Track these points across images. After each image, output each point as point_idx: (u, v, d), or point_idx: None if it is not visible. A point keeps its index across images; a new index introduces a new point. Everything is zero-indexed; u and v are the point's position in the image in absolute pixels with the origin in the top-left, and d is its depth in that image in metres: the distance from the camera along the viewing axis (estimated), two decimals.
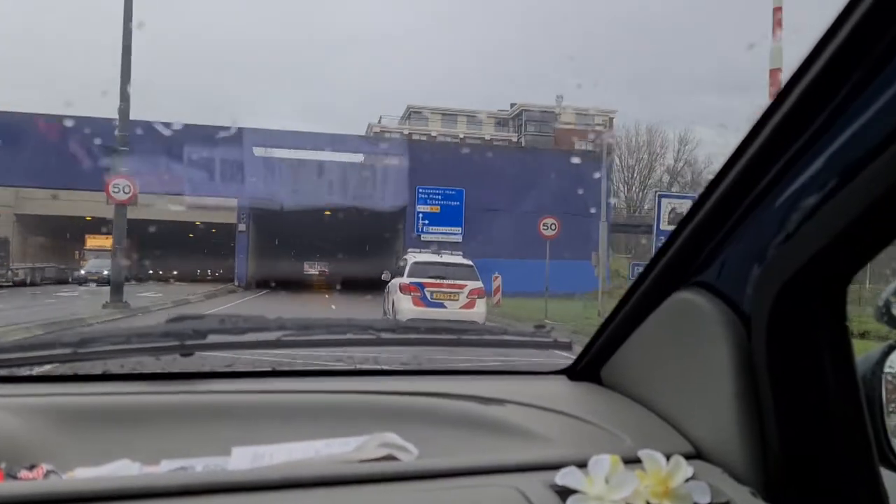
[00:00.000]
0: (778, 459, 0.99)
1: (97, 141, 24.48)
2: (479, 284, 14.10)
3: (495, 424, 1.22)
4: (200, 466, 1.03)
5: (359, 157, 39.58)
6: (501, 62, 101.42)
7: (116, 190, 17.64)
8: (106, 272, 31.13)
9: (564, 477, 0.96)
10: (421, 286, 13.65)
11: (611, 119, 72.99)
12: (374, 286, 19.00)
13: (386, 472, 0.98)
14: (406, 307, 13.42)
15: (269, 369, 1.47)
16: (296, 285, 39.16)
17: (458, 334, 1.57)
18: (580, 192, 37.52)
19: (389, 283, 15.40)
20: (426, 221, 38.14)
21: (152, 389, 1.27)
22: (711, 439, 1.08)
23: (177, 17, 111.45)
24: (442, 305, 13.51)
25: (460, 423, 1.23)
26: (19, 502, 0.83)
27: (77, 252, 49.07)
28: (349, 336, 1.47)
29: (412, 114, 75.65)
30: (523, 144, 66.09)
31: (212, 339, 1.37)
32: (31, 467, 0.98)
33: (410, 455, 1.06)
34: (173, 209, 41.46)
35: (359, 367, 1.66)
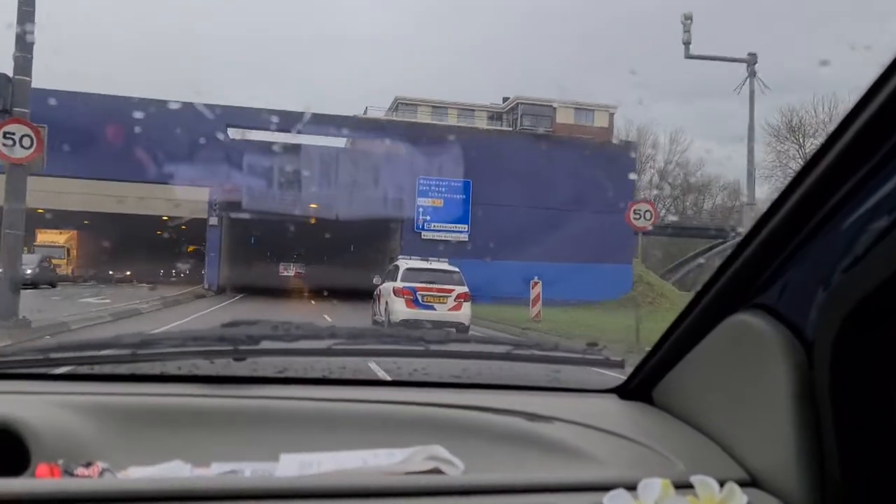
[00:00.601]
0: (838, 491, 0.96)
1: None
2: (465, 289, 15.36)
3: (543, 442, 1.21)
4: (249, 471, 1.05)
5: (348, 143, 34.39)
6: (494, 58, 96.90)
7: (9, 142, 10.84)
8: (29, 271, 26.55)
9: (613, 499, 0.94)
10: (413, 290, 14.72)
11: (611, 115, 68.55)
12: (370, 294, 18.04)
13: (432, 486, 0.98)
14: (399, 308, 14.54)
15: (320, 377, 1.49)
16: (276, 290, 33.85)
17: (508, 348, 1.58)
18: (605, 186, 32.69)
19: (381, 287, 16.27)
20: (427, 217, 33.03)
21: (206, 392, 1.29)
22: (768, 467, 1.05)
23: (158, 12, 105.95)
24: (432, 308, 14.66)
25: (508, 438, 1.22)
26: (75, 500, 0.86)
27: (27, 248, 43.49)
28: (399, 346, 1.54)
29: (400, 105, 70.55)
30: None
31: (265, 344, 1.42)
32: (88, 465, 1.00)
33: (457, 469, 1.06)
34: (137, 201, 36.35)
35: (408, 378, 1.58)
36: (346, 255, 42.31)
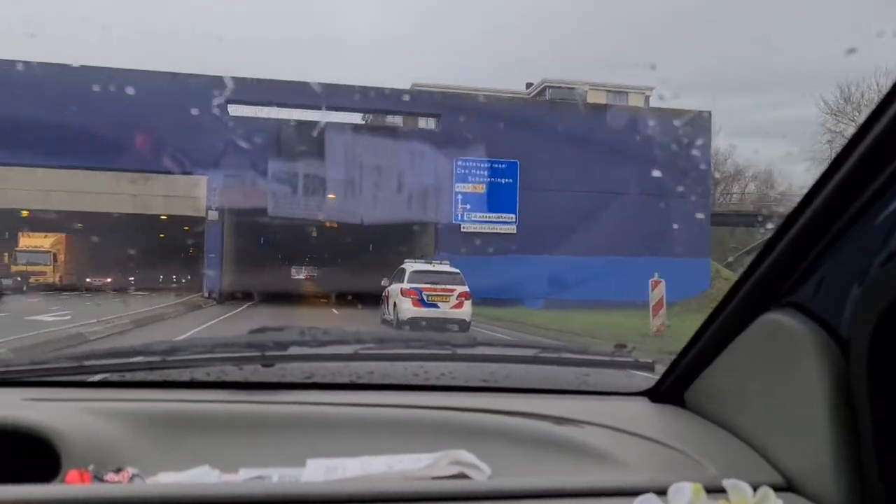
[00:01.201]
0: (877, 496, 0.94)
1: None
2: (465, 288, 16.47)
3: (571, 446, 1.20)
4: (276, 476, 1.06)
5: (368, 118, 29.11)
6: (516, 41, 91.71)
7: None
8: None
9: None
10: (419, 290, 16.07)
11: (647, 97, 62.95)
12: None
13: (457, 491, 0.99)
14: (407, 307, 15.90)
15: (348, 381, 1.48)
16: (287, 298, 28.68)
17: (536, 351, 1.58)
18: (677, 165, 27.36)
19: (388, 289, 17.55)
20: (467, 206, 27.75)
21: (235, 398, 1.31)
22: (804, 471, 1.04)
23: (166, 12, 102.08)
24: (436, 306, 16.04)
25: (535, 442, 1.21)
26: None
27: (7, 254, 38.60)
28: (426, 351, 1.57)
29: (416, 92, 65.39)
30: None
31: (292, 350, 1.44)
32: (118, 470, 1.01)
33: (483, 474, 1.05)
34: (131, 199, 31.81)
35: (434, 382, 1.55)
36: (367, 255, 37.17)
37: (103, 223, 35.54)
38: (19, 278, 35.37)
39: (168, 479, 1.01)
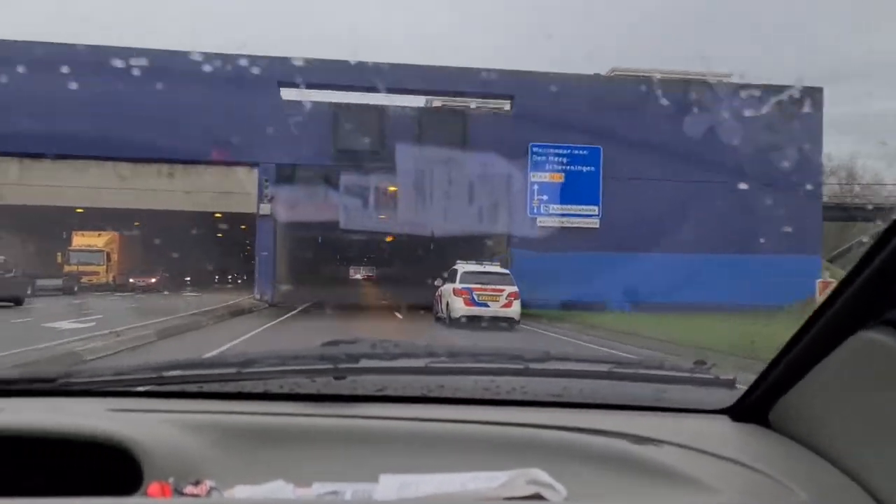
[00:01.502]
0: None
1: None
2: (514, 289, 17.25)
3: (649, 466, 1.16)
4: (349, 492, 1.05)
5: (429, 102, 26.49)
6: (583, 29, 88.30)
7: None
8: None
9: None
10: (470, 290, 17.03)
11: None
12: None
13: None
14: (458, 307, 16.93)
15: (419, 395, 1.47)
16: (345, 300, 26.33)
17: (610, 366, 1.58)
18: (784, 149, 23.98)
19: (442, 289, 18.51)
20: (544, 196, 24.87)
21: (308, 411, 1.33)
22: None
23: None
24: (486, 305, 16.96)
25: (612, 462, 1.17)
26: None
27: (61, 254, 37.25)
28: (497, 365, 1.54)
29: None
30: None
31: (364, 363, 1.46)
32: (196, 483, 1.03)
33: (558, 495, 1.03)
34: (184, 196, 30.08)
35: (505, 396, 1.51)
36: (433, 253, 34.61)
37: (157, 222, 34.19)
38: (68, 279, 33.93)
39: (244, 493, 1.03)
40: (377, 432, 1.26)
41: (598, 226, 25.05)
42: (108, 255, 38.07)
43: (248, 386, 1.43)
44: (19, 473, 1.13)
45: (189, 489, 1.01)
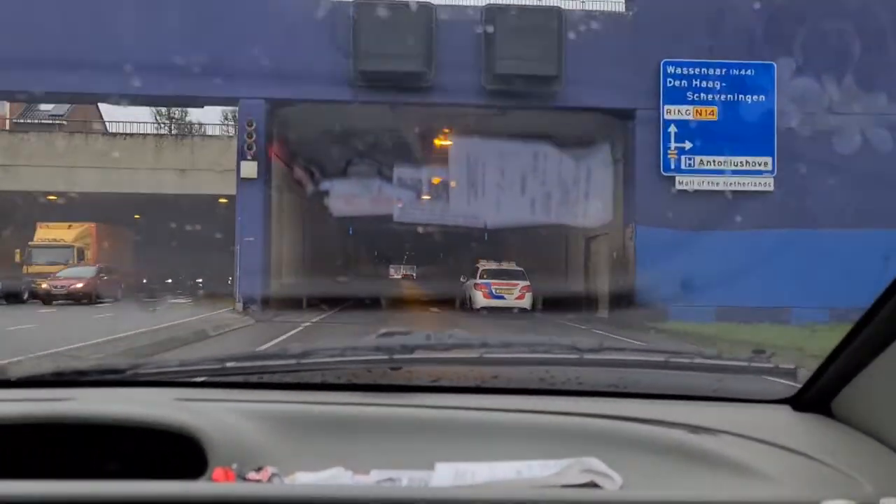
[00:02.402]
0: None
1: None
2: (527, 283, 19.99)
3: (708, 456, 1.15)
4: (406, 479, 1.07)
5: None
6: None
7: None
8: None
9: None
10: (489, 284, 19.84)
11: None
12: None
13: (589, 500, 0.98)
14: (479, 299, 19.60)
15: (474, 385, 1.50)
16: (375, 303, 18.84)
17: (667, 356, 1.52)
18: None
19: (466, 283, 21.42)
20: (685, 144, 15.86)
21: (365, 401, 1.35)
22: None
23: None
24: (503, 297, 19.54)
25: (669, 452, 1.17)
26: (247, 503, 0.96)
27: (19, 251, 29.86)
28: (551, 355, 1.50)
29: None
30: None
31: (418, 354, 1.44)
32: (259, 469, 1.06)
33: (614, 483, 1.03)
34: (178, 175, 26.45)
35: (560, 386, 1.51)
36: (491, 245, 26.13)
37: (147, 208, 29.25)
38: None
39: (305, 479, 1.06)
40: (432, 422, 1.28)
41: (771, 188, 15.97)
42: (81, 251, 30.31)
43: (306, 376, 1.48)
44: (95, 459, 1.19)
45: (251, 475, 1.05)
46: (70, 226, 30.15)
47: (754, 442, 1.18)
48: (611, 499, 0.98)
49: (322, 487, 1.01)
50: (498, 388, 1.49)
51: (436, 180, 20.95)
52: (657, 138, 15.82)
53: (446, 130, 18.71)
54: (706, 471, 1.10)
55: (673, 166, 15.85)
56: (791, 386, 1.42)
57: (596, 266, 19.64)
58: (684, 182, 15.83)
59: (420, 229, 25.37)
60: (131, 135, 31.64)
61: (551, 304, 19.76)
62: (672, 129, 15.77)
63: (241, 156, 15.29)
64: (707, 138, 15.77)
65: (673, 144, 15.80)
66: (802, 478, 1.08)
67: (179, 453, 1.14)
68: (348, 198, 20.97)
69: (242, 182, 15.37)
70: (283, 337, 11.89)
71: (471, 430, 1.25)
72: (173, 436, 1.17)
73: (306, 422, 1.25)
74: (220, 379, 1.48)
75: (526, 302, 19.51)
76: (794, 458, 1.13)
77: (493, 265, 21.06)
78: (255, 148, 15.05)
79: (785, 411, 1.39)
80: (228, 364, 1.46)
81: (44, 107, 35.16)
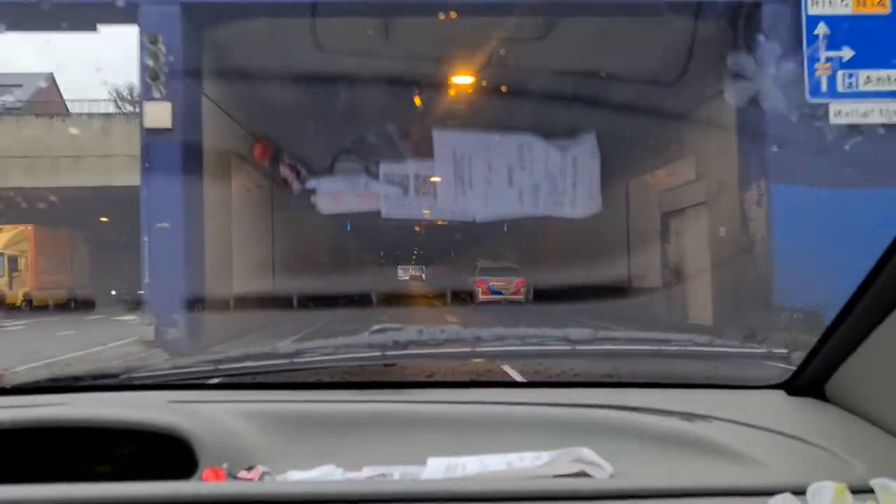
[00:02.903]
0: None
1: None
2: (521, 279, 22.78)
3: (701, 442, 1.15)
4: (397, 474, 1.09)
5: None
6: None
7: None
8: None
9: None
10: (487, 281, 22.70)
11: None
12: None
13: (579, 490, 0.97)
14: (479, 294, 22.39)
15: (467, 380, 1.58)
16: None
17: (659, 345, 1.55)
18: None
19: (470, 280, 24.26)
20: (843, 53, 10.05)
21: (358, 398, 1.36)
22: None
23: None
24: (500, 293, 22.11)
25: (660, 439, 1.17)
26: (238, 502, 0.94)
27: None
28: (544, 347, 1.51)
29: None
30: None
31: (411, 349, 1.48)
32: (250, 468, 1.07)
33: (604, 472, 1.03)
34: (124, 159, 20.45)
35: (554, 378, 1.60)
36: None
37: (94, 205, 24.82)
38: None
39: (297, 477, 1.07)
40: (426, 417, 1.27)
41: None
42: (15, 259, 25.09)
43: (299, 375, 1.50)
44: (89, 462, 1.19)
45: (242, 474, 1.06)
46: (1, 228, 25.02)
47: (748, 428, 1.18)
48: (599, 487, 0.97)
49: (312, 484, 1.02)
50: (492, 381, 1.58)
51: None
52: (797, 46, 10.18)
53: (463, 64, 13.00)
54: (700, 458, 1.10)
55: (825, 88, 10.21)
56: (787, 370, 1.40)
57: (681, 252, 13.98)
58: (844, 112, 10.19)
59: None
60: (72, 115, 26.61)
61: (607, 313, 12.68)
62: (821, 29, 10.13)
63: (145, 93, 9.73)
64: (877, 42, 10.14)
65: (823, 54, 10.17)
66: (796, 462, 1.08)
67: (172, 455, 1.15)
68: (336, 193, 15.43)
69: (149, 134, 9.80)
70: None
71: (465, 425, 1.24)
72: (165, 438, 1.17)
73: (299, 420, 1.25)
74: (214, 380, 1.50)
75: (520, 296, 22.19)
76: (787, 442, 1.13)
77: (491, 264, 24.23)
78: (163, 78, 9.48)
79: (779, 396, 1.38)
80: (222, 365, 1.48)
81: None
